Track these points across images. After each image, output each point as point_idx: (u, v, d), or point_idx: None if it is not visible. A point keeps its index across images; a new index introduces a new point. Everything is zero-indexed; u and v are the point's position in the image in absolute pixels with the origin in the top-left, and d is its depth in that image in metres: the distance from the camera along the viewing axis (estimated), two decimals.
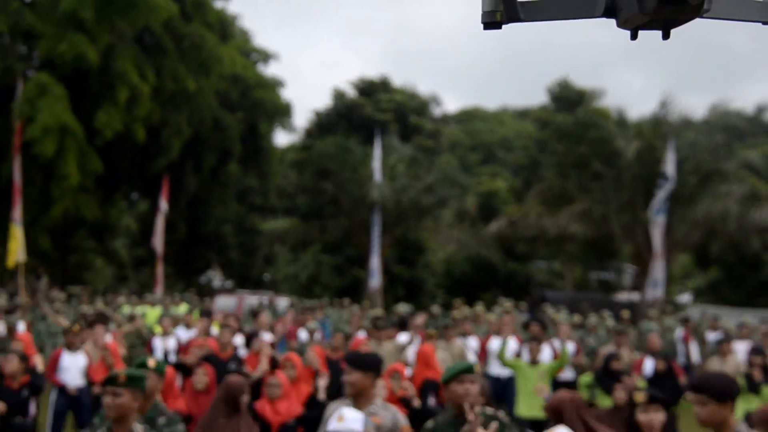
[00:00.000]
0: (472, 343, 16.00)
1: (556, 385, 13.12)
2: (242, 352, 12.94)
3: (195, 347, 11.77)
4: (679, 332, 21.24)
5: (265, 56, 47.54)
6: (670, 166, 29.13)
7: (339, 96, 53.61)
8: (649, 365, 13.45)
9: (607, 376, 11.92)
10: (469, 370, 6.15)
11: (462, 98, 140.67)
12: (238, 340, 14.02)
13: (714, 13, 1.95)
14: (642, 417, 6.21)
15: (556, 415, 6.92)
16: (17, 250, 26.22)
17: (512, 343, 13.94)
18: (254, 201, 46.52)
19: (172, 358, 13.35)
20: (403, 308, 22.81)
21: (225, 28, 41.95)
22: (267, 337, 15.90)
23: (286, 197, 45.46)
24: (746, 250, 35.07)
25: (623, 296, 38.34)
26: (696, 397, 4.82)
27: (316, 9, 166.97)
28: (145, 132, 34.50)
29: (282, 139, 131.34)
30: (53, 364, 12.18)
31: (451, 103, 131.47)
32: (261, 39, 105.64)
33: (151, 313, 22.51)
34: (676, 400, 12.96)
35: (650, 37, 1.98)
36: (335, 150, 38.75)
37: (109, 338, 15.79)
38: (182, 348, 14.28)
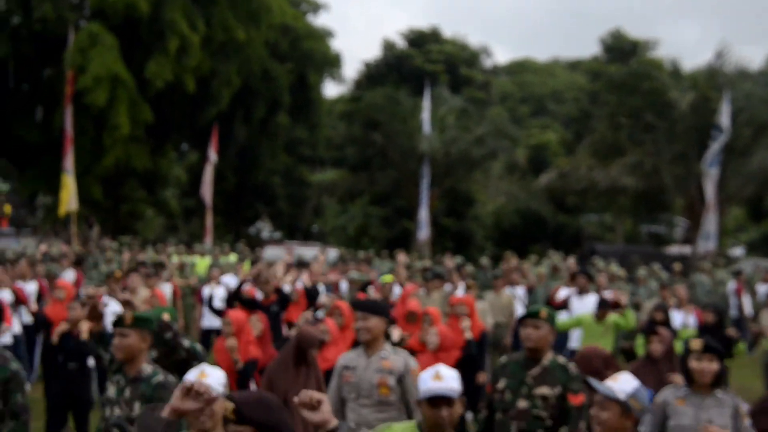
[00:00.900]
0: (520, 292, 15.96)
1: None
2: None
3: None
4: (731, 285, 20.99)
5: (315, 6, 47.29)
6: (724, 118, 28.54)
7: (388, 47, 53.20)
8: (677, 318, 13.27)
9: (653, 329, 11.78)
10: (532, 314, 6.32)
11: (512, 50, 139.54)
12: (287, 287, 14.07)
13: None
14: (695, 365, 6.14)
15: (585, 367, 6.94)
16: (69, 199, 26.51)
17: (563, 292, 13.89)
18: (303, 152, 46.48)
19: (218, 304, 13.42)
20: (453, 260, 22.73)
21: None
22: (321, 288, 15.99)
23: (334, 148, 45.41)
24: None
25: (674, 250, 37.87)
26: None
27: None
28: (195, 82, 34.53)
29: (331, 90, 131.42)
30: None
31: (501, 55, 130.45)
32: None
33: (201, 263, 22.67)
34: (727, 352, 12.79)
35: None
36: (384, 101, 38.55)
37: (168, 287, 15.99)
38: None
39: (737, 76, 31.95)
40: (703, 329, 12.86)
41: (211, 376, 4.14)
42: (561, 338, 13.87)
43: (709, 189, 28.69)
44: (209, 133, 34.19)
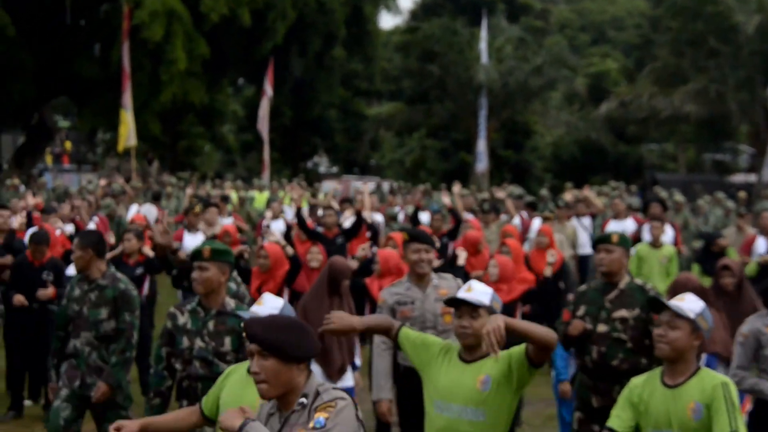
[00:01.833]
0: (585, 222, 15.80)
1: None
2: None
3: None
4: None
5: None
6: None
7: None
8: (762, 244, 13.02)
9: (708, 257, 11.62)
10: (604, 239, 6.38)
11: None
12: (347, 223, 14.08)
13: None
14: None
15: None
16: (128, 135, 26.67)
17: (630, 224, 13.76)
18: (359, 85, 46.22)
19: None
20: (505, 189, 22.53)
21: None
22: (378, 217, 15.94)
23: (391, 81, 45.17)
24: None
25: (739, 178, 37.23)
26: None
27: None
28: (250, 15, 34.30)
29: (387, 21, 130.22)
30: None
31: None
32: None
33: (259, 198, 22.76)
34: None
35: None
36: (441, 32, 38.20)
37: (229, 220, 16.08)
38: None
39: None
40: None
41: (267, 304, 4.54)
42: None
43: None
44: (265, 67, 34.08)
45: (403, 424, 7.08)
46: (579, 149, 42.87)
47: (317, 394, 3.51)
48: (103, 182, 22.64)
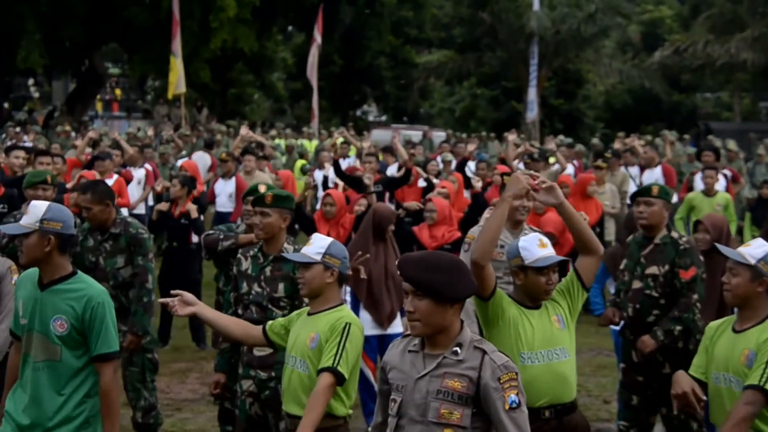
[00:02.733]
0: (633, 172, 15.65)
1: None
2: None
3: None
4: None
5: None
6: None
7: None
8: None
9: (759, 206, 11.45)
10: (644, 192, 6.35)
11: None
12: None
13: None
14: None
15: (716, 232, 6.81)
16: (177, 82, 26.68)
17: None
18: (409, 33, 45.87)
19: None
20: (554, 140, 22.33)
21: None
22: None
23: (441, 28, 44.84)
24: None
25: None
26: None
27: None
28: None
29: None
30: (211, 191, 13.40)
31: None
32: None
33: (309, 146, 22.75)
34: None
35: None
36: None
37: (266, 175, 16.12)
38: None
39: None
40: None
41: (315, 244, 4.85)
42: None
43: None
44: (315, 14, 33.86)
45: None
46: (632, 98, 42.48)
47: (475, 348, 3.57)
48: (150, 131, 22.77)
